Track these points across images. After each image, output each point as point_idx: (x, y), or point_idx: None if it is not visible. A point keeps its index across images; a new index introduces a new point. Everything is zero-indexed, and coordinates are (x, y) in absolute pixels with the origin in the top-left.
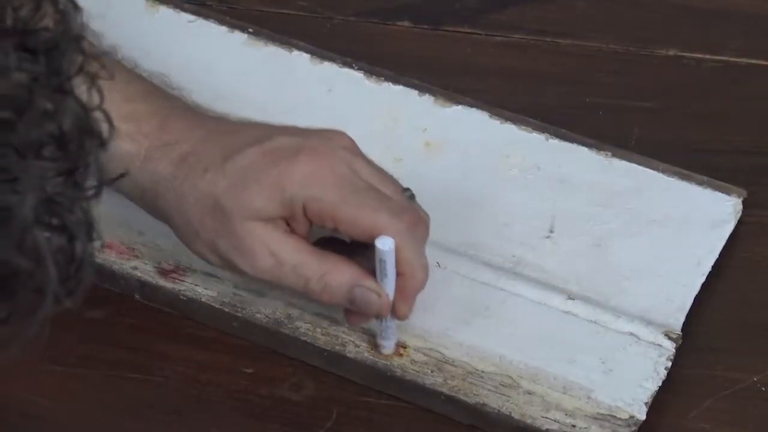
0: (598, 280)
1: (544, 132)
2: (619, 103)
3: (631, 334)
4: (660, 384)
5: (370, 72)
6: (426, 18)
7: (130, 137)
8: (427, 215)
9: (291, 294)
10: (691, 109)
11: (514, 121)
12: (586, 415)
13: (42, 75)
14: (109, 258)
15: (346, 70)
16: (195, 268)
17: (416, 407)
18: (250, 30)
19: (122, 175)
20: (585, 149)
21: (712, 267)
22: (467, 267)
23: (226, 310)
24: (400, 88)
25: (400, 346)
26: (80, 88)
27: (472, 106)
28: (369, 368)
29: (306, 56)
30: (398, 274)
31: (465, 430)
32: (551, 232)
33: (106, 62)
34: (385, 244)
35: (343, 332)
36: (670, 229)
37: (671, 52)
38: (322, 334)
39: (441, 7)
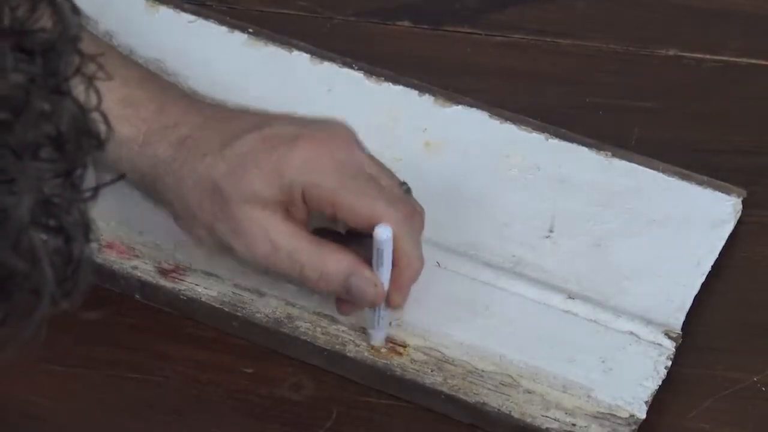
0: (598, 279)
1: (544, 132)
2: (619, 103)
3: (631, 333)
4: (660, 383)
5: (370, 72)
6: (426, 18)
7: (128, 122)
8: (422, 208)
9: (287, 281)
10: (691, 109)
11: (514, 121)
12: (586, 414)
13: (39, 76)
14: (110, 258)
15: (346, 70)
16: (195, 268)
17: (416, 406)
18: (250, 30)
19: (120, 177)
20: (585, 149)
21: (712, 267)
22: (467, 267)
23: (226, 309)
24: (400, 88)
25: (400, 345)
26: (78, 88)
27: (472, 106)
28: (369, 368)
29: (306, 56)
30: (393, 265)
31: (465, 430)
32: (551, 231)
33: (102, 58)
34: (383, 233)
35: (343, 332)
36: (670, 228)
37: (671, 52)
38: (322, 334)
39: (441, 7)
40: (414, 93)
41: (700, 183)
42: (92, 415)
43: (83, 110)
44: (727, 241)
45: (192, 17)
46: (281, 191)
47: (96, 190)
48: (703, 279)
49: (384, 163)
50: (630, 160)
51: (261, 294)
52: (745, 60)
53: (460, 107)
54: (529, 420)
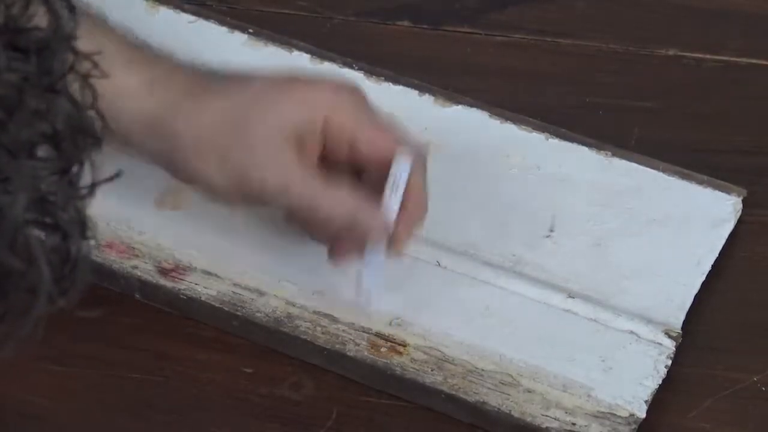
0: (598, 279)
1: (544, 132)
2: (619, 103)
3: (631, 332)
4: (660, 382)
5: (370, 72)
6: (426, 18)
7: (135, 69)
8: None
9: (286, 221)
10: (691, 109)
11: (514, 121)
12: (586, 413)
13: (33, 75)
14: (109, 257)
15: (346, 70)
16: (195, 267)
17: (416, 406)
18: (251, 30)
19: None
20: (585, 149)
21: (712, 266)
22: (467, 266)
23: (226, 309)
24: (400, 88)
25: (400, 344)
26: (73, 86)
27: (472, 106)
28: (369, 367)
29: (306, 56)
30: (401, 206)
31: (465, 429)
32: (551, 231)
33: (98, 57)
34: (403, 159)
35: (343, 331)
36: (670, 228)
37: (671, 52)
38: (322, 333)
39: (441, 7)
40: (414, 93)
41: (700, 182)
42: (92, 415)
43: (79, 108)
44: (727, 240)
45: (192, 18)
46: (306, 120)
47: (93, 188)
48: (703, 278)
49: None
50: (630, 160)
51: (261, 293)
52: (745, 60)
53: (460, 107)
54: (529, 419)
